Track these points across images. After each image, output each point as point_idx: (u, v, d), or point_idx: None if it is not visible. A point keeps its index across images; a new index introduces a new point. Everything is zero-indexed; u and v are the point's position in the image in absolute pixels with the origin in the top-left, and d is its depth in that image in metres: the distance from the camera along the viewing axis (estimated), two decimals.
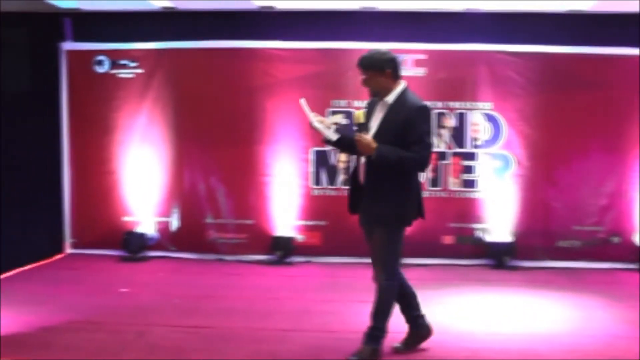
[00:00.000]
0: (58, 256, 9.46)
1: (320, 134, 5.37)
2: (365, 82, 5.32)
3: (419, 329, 5.72)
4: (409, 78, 8.99)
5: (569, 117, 9.04)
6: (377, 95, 5.35)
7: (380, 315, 5.44)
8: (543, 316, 6.80)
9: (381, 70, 5.27)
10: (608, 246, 9.09)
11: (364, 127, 5.27)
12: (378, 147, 5.12)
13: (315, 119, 5.32)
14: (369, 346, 5.41)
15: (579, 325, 6.45)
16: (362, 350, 5.40)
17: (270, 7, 9.28)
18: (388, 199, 5.28)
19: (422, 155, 5.23)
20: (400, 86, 5.34)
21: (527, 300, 7.42)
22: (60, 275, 8.49)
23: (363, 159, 5.32)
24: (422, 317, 5.76)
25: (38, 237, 9.64)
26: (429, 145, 5.30)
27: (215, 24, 9.42)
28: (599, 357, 5.59)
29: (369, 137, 5.18)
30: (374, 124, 5.32)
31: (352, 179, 5.49)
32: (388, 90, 5.30)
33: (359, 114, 5.28)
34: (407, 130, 5.18)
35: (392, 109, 5.28)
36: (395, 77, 5.32)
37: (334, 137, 5.34)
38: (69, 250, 9.65)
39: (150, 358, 5.45)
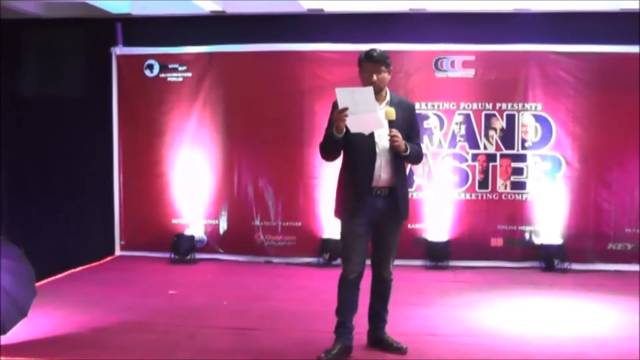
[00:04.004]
0: (109, 258, 9.58)
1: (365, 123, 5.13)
2: (378, 77, 5.26)
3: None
4: (458, 79, 9.10)
5: (620, 117, 8.93)
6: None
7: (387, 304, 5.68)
8: (594, 320, 6.70)
9: (390, 68, 5.37)
10: None
11: (393, 124, 5.20)
12: (406, 143, 5.25)
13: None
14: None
15: (631, 329, 6.33)
16: (389, 339, 5.64)
17: (319, 10, 9.30)
18: (406, 194, 5.55)
19: (421, 148, 5.57)
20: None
21: (578, 304, 7.32)
22: (111, 276, 8.59)
23: (383, 158, 5.28)
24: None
25: (89, 239, 9.80)
26: None
27: (264, 27, 9.47)
28: None
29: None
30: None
31: (362, 179, 5.31)
32: (384, 89, 5.36)
33: (391, 111, 5.18)
34: (411, 126, 5.44)
35: (393, 105, 5.31)
36: None
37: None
38: (119, 252, 9.76)
39: (201, 359, 5.49)
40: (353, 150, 5.31)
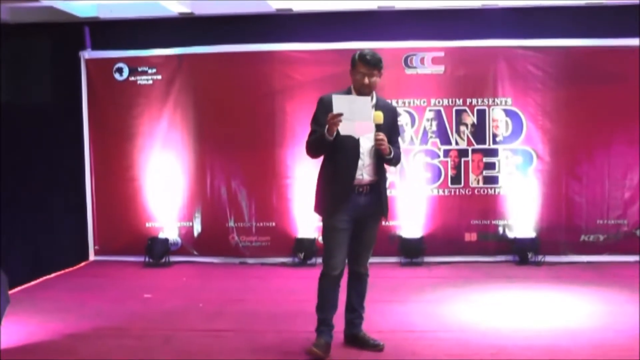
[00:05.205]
0: (83, 263, 9.51)
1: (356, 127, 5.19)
2: (370, 80, 5.28)
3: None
4: (428, 76, 9.12)
5: (590, 110, 9.00)
6: (361, 94, 5.30)
7: (363, 301, 5.73)
8: (568, 311, 6.75)
9: (382, 71, 5.40)
10: (633, 239, 9.03)
11: (379, 127, 5.24)
12: (390, 147, 5.31)
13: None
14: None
15: (605, 320, 6.40)
16: (366, 336, 5.68)
17: (288, 10, 9.29)
18: (384, 193, 5.53)
19: (400, 151, 5.62)
20: None
21: (552, 296, 7.37)
22: (85, 282, 8.53)
23: (366, 158, 5.34)
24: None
25: (63, 245, 9.71)
26: None
27: (232, 28, 9.43)
28: (626, 352, 5.52)
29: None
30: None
31: (344, 178, 5.35)
32: (372, 91, 5.39)
33: (379, 115, 5.22)
34: (393, 129, 5.52)
35: (379, 108, 5.33)
36: None
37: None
38: (93, 257, 9.70)
39: None
40: (337, 149, 5.31)
